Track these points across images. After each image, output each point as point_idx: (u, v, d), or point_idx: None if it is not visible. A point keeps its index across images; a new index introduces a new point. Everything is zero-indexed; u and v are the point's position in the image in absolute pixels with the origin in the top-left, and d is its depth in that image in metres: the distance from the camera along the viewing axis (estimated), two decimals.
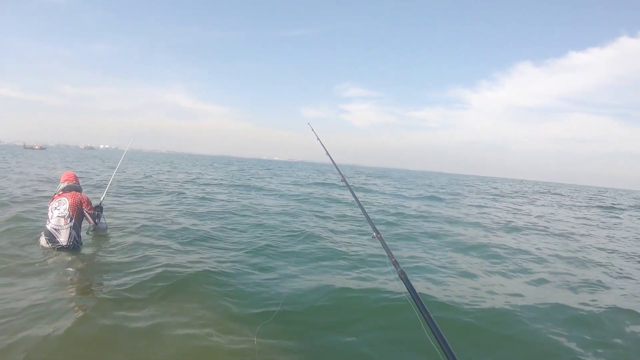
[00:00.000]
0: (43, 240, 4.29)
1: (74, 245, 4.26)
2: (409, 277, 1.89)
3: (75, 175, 4.74)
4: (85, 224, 4.61)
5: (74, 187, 4.56)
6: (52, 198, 4.47)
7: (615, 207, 20.42)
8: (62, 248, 4.19)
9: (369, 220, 2.29)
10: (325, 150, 3.01)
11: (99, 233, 5.03)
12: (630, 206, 22.94)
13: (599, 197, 34.55)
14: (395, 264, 1.99)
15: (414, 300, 1.73)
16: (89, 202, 4.52)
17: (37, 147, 71.60)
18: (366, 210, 2.51)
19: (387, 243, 2.12)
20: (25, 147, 71.07)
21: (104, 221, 5.05)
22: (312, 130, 3.13)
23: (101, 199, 5.08)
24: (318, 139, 3.02)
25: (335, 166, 2.83)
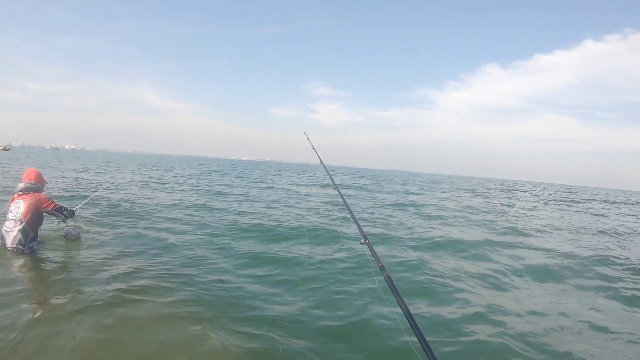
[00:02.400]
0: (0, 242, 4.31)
1: (17, 249, 4.17)
2: (394, 281, 2.02)
3: (37, 173, 4.55)
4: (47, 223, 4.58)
5: (32, 188, 4.39)
6: (11, 198, 4.39)
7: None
8: (7, 250, 4.16)
9: (358, 226, 2.41)
10: (320, 159, 3.15)
11: (71, 238, 5.07)
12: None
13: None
14: (382, 268, 2.11)
15: (398, 303, 1.86)
16: (47, 200, 4.38)
17: (0, 147, 63.86)
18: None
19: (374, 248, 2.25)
20: None
21: (75, 224, 5.09)
22: (308, 139, 3.27)
23: (76, 207, 4.99)
24: (313, 147, 3.16)
25: (328, 173, 2.97)
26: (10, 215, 4.21)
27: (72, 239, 5.08)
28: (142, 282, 3.74)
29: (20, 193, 4.33)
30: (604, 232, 10.90)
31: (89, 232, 5.85)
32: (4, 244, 4.21)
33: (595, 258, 6.91)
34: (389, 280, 2.01)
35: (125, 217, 7.22)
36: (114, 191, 11.00)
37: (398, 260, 5.36)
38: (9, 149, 64.25)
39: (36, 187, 4.44)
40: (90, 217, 6.96)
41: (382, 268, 2.11)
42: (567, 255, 7.02)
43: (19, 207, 4.21)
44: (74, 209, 4.82)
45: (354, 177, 39.54)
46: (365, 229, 2.43)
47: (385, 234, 7.49)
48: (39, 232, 4.49)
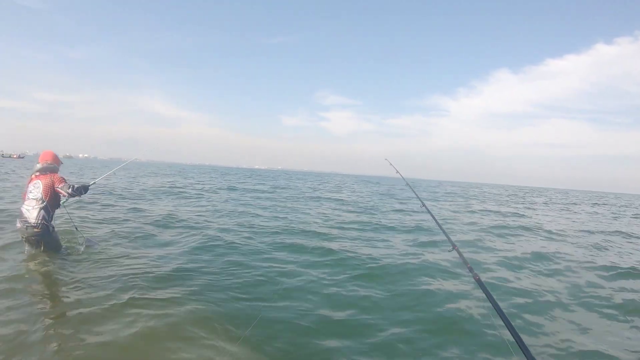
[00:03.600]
0: (18, 221, 4.43)
1: (42, 225, 4.35)
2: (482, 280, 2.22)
3: (53, 155, 4.69)
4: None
5: (49, 169, 4.57)
6: (29, 178, 4.55)
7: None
8: (31, 227, 4.32)
9: (446, 234, 2.64)
10: (405, 181, 3.46)
11: (90, 246, 5.22)
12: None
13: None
14: (471, 269, 2.31)
15: (490, 300, 2.05)
16: (60, 180, 4.52)
17: (15, 155, 66.06)
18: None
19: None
20: (2, 156, 65.77)
21: (95, 241, 5.37)
22: (391, 164, 3.60)
23: (90, 183, 5.06)
24: (397, 172, 3.47)
25: (414, 191, 3.26)
26: (30, 195, 4.41)
27: (91, 246, 5.24)
28: None
29: (38, 174, 4.51)
30: None
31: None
32: (25, 221, 4.35)
33: None
34: (477, 279, 2.20)
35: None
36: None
37: None
38: (23, 157, 65.95)
39: (53, 167, 4.64)
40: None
41: (470, 269, 2.31)
42: None
43: (38, 187, 4.41)
44: (88, 185, 4.88)
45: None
46: None
47: None
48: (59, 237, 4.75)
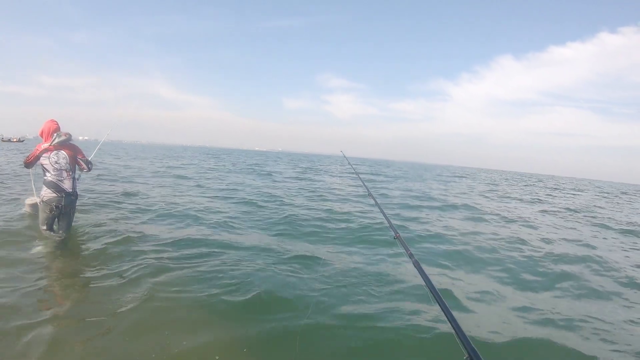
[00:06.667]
0: (47, 192, 4.56)
1: (76, 192, 4.76)
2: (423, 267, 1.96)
3: (58, 124, 4.86)
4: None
5: (69, 139, 4.78)
6: (47, 149, 4.60)
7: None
8: (68, 195, 4.63)
9: (389, 221, 2.41)
10: (354, 170, 3.28)
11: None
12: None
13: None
14: (411, 255, 2.07)
15: (428, 287, 1.79)
16: (81, 151, 4.92)
17: (15, 139, 65.13)
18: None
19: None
20: (2, 140, 65.25)
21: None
22: (345, 157, 3.45)
23: (90, 157, 5.31)
24: (349, 163, 3.31)
25: (361, 181, 3.05)
26: (56, 166, 4.61)
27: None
28: None
29: (58, 146, 4.67)
30: None
31: None
32: (60, 190, 4.59)
33: None
34: (417, 266, 1.96)
35: None
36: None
37: None
38: (23, 141, 64.93)
39: (70, 137, 4.83)
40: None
41: (411, 255, 2.07)
42: None
43: (63, 158, 4.66)
44: (89, 160, 5.09)
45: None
46: None
47: None
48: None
